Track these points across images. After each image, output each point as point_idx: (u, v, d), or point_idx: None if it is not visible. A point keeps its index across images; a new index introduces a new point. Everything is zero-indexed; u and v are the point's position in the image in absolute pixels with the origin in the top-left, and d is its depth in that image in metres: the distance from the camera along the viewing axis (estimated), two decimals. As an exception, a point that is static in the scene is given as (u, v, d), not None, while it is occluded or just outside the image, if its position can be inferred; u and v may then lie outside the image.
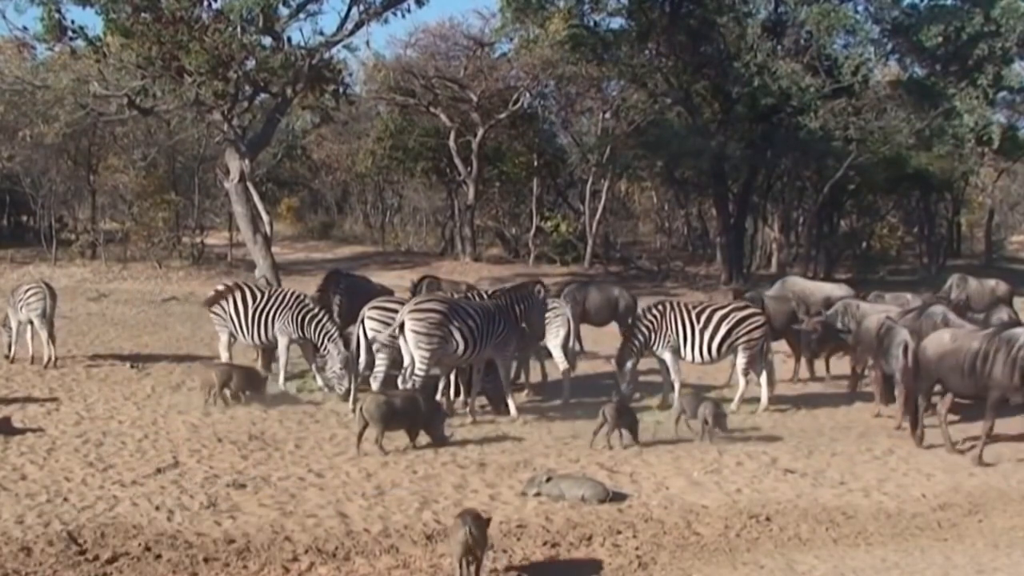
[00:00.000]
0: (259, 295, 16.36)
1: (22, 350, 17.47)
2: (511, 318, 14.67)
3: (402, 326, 13.68)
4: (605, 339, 19.58)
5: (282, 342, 16.04)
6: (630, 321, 18.43)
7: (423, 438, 12.41)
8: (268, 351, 16.59)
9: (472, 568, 8.14)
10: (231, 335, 16.28)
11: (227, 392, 14.41)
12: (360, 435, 12.05)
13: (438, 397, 14.26)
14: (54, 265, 32.89)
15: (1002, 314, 17.78)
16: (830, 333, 17.02)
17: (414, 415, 12.30)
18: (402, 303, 14.98)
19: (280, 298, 16.25)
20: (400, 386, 13.55)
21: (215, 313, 16.40)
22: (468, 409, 14.33)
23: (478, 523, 8.15)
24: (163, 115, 28.08)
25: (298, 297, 16.33)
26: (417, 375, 13.61)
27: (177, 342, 20.48)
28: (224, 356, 16.32)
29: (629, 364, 15.32)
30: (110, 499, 10.13)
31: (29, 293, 17.32)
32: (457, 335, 13.73)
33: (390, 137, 40.27)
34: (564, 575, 8.80)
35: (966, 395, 13.25)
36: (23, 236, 39.17)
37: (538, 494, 10.55)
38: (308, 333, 15.88)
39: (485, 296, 16.06)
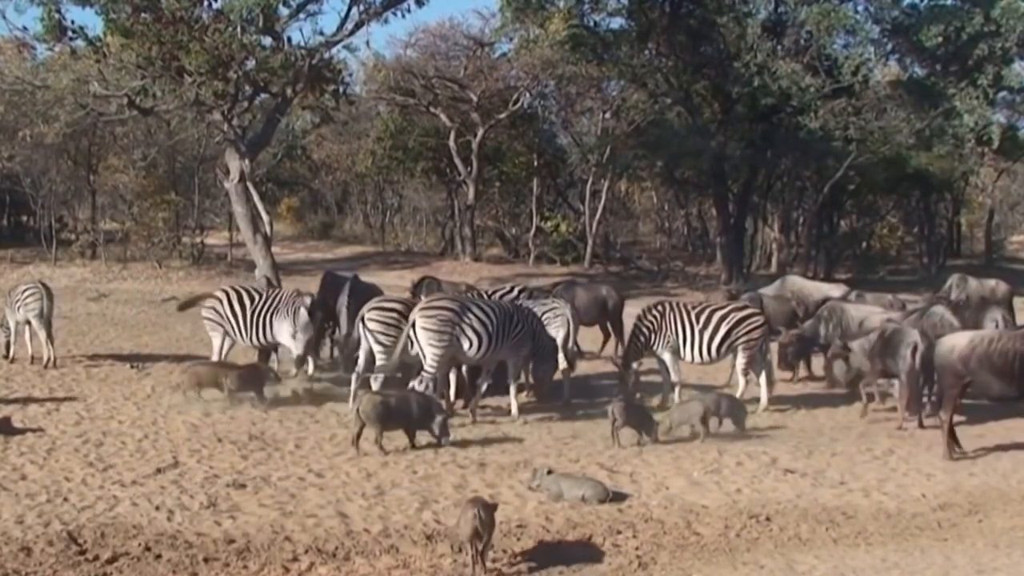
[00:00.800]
0: (256, 297, 16.36)
1: (22, 350, 17.50)
2: (530, 320, 14.63)
3: (414, 324, 13.69)
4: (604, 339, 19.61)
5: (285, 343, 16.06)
6: (621, 321, 18.50)
7: (424, 438, 12.42)
8: (264, 352, 16.60)
9: (479, 552, 8.34)
10: (225, 336, 16.22)
11: (230, 393, 14.37)
12: (358, 436, 12.05)
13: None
14: (54, 265, 32.85)
15: (995, 314, 17.71)
16: (806, 345, 17.14)
17: (411, 415, 12.30)
18: (403, 302, 15.00)
19: (276, 299, 16.25)
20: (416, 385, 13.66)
21: (208, 318, 16.37)
22: (469, 409, 14.33)
23: (486, 508, 8.45)
24: (163, 115, 28.09)
25: (293, 297, 16.37)
26: (426, 373, 13.62)
27: (177, 342, 20.47)
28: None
29: (634, 364, 15.40)
30: (110, 499, 10.13)
31: (26, 294, 17.31)
32: (470, 334, 13.73)
33: (390, 137, 40.21)
34: (564, 575, 8.80)
35: (1001, 398, 13.12)
36: (23, 236, 39.06)
37: (539, 486, 10.59)
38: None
39: (485, 296, 16.02)
